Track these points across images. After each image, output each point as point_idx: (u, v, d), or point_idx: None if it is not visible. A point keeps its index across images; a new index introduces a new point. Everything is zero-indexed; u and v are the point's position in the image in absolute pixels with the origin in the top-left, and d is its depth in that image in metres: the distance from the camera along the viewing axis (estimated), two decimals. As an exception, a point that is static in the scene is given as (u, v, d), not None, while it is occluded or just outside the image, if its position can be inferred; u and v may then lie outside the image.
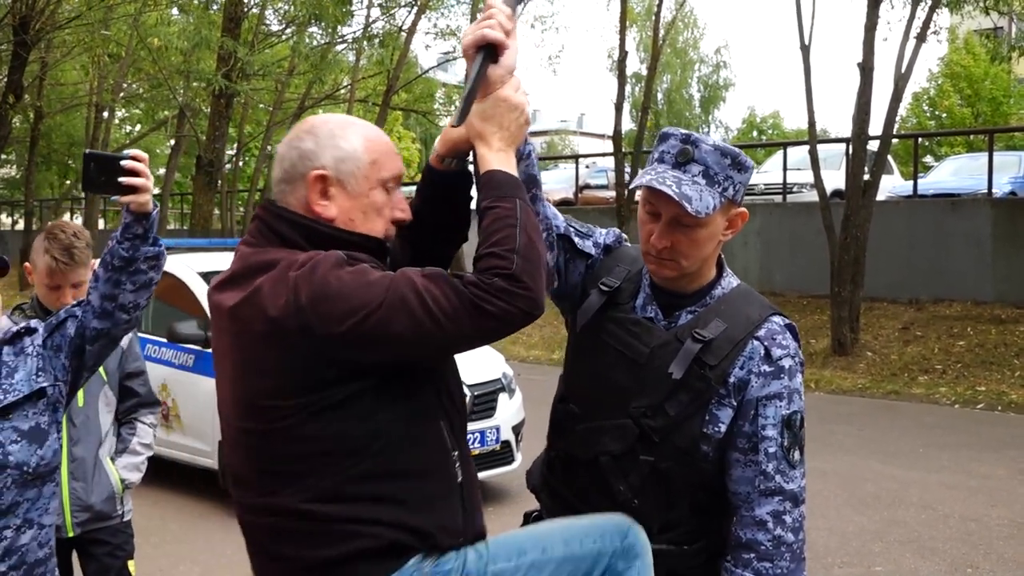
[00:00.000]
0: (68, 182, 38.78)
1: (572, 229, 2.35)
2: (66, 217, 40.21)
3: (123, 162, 2.45)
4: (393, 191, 2.05)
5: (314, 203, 1.97)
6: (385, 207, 2.03)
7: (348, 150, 1.98)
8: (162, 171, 29.70)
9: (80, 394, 3.55)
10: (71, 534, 3.53)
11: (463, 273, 1.85)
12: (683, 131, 2.22)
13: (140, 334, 7.99)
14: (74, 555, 3.74)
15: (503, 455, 7.31)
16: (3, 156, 33.30)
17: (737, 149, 2.21)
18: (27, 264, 3.53)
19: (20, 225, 35.41)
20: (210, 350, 8.03)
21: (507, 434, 7.35)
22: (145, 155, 2.52)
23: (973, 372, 13.32)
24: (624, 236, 2.45)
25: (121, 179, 2.44)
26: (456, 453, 2.02)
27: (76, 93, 29.70)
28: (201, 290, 7.80)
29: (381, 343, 1.83)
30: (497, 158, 1.96)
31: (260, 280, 1.89)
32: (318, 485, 1.90)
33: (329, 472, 1.90)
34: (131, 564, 3.75)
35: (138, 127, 35.91)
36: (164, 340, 7.65)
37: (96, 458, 3.61)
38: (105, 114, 28.71)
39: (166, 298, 8.07)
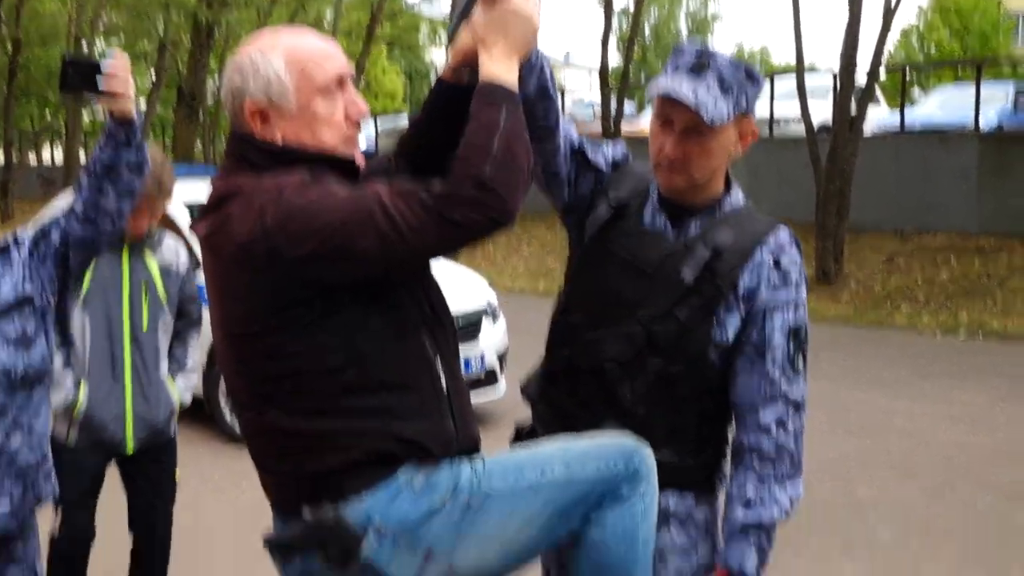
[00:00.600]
0: (48, 114, 38.35)
1: (585, 142, 2.33)
2: (46, 149, 39.89)
3: (103, 64, 2.39)
4: (337, 92, 1.96)
5: (258, 135, 1.93)
6: (333, 112, 1.95)
7: (271, 75, 1.91)
8: (143, 104, 29.34)
9: (144, 319, 3.51)
10: (131, 451, 3.50)
11: (434, 180, 1.80)
12: (698, 45, 2.20)
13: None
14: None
15: (488, 381, 7.33)
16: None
17: (749, 63, 2.20)
18: None
19: None
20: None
21: (492, 360, 7.36)
22: (126, 58, 2.46)
23: (955, 302, 13.35)
24: (631, 155, 2.43)
25: (100, 83, 2.38)
26: (439, 361, 1.98)
27: (55, 25, 29.25)
28: (184, 220, 7.72)
29: (348, 259, 1.80)
30: (497, 67, 1.89)
31: (230, 207, 1.86)
32: (301, 403, 1.89)
33: (310, 389, 1.88)
34: (176, 473, 3.77)
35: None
36: (147, 268, 7.59)
37: (159, 379, 3.57)
38: (84, 46, 28.31)
39: (148, 226, 8.00)
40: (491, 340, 7.44)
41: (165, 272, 3.57)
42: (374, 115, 30.27)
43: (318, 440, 1.88)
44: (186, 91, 16.24)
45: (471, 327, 7.27)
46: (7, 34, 23.56)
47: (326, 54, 1.95)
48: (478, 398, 7.10)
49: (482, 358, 7.26)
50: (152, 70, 29.30)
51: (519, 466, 1.97)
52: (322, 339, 1.86)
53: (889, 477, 6.32)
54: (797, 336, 2.20)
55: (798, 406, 2.21)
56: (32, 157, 38.26)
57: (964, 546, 5.18)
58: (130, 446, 3.48)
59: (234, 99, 1.94)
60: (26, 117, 39.88)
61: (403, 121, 25.92)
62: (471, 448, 2.02)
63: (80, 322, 3.43)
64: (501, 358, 7.53)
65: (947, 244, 15.35)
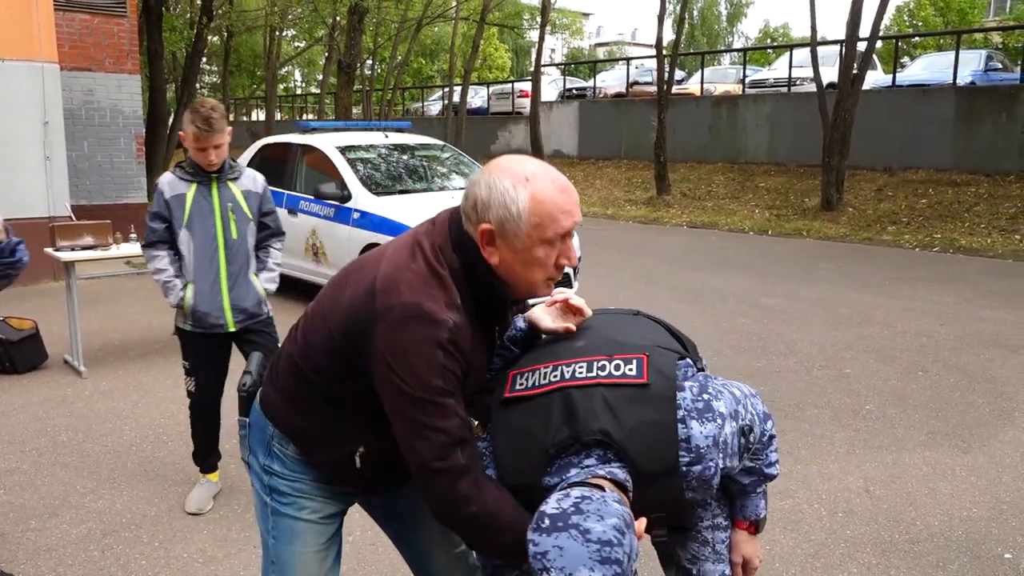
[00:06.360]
0: (254, 86, 38.65)
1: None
2: (255, 113, 40.36)
3: None
4: (558, 243, 1.59)
5: (482, 248, 1.59)
6: (548, 258, 1.59)
7: (514, 213, 1.54)
8: (320, 76, 29.21)
9: (234, 229, 3.54)
10: (232, 329, 3.56)
11: (464, 461, 1.56)
12: None
13: (294, 193, 7.89)
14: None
15: (564, 283, 7.11)
16: (205, 66, 33.24)
17: None
18: (181, 133, 3.42)
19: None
20: (346, 204, 7.90)
21: (567, 268, 7.11)
22: None
23: (932, 223, 12.65)
24: None
25: None
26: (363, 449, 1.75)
27: (256, 16, 29.19)
28: (338, 160, 7.61)
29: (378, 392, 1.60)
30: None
31: (382, 268, 1.59)
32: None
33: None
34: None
35: (302, 43, 35.37)
36: (312, 197, 7.52)
37: (247, 275, 3.61)
38: (277, 33, 28.24)
39: (313, 166, 7.92)
40: (566, 252, 7.18)
41: (246, 195, 3.59)
42: (487, 83, 29.79)
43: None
44: (344, 64, 16.01)
45: (551, 242, 7.02)
46: (222, 23, 23.56)
47: (565, 210, 1.57)
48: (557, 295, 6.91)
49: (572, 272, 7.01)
50: (326, 53, 29.10)
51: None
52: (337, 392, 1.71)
53: (871, 359, 5.96)
54: None
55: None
56: (243, 116, 38.72)
57: (933, 417, 4.83)
58: (231, 325, 3.55)
59: (475, 208, 1.58)
60: (238, 87, 40.35)
61: (508, 87, 25.53)
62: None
63: (185, 238, 3.50)
64: (575, 267, 7.28)
65: (926, 178, 14.56)
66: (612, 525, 1.33)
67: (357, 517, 3.26)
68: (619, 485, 1.50)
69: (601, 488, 1.42)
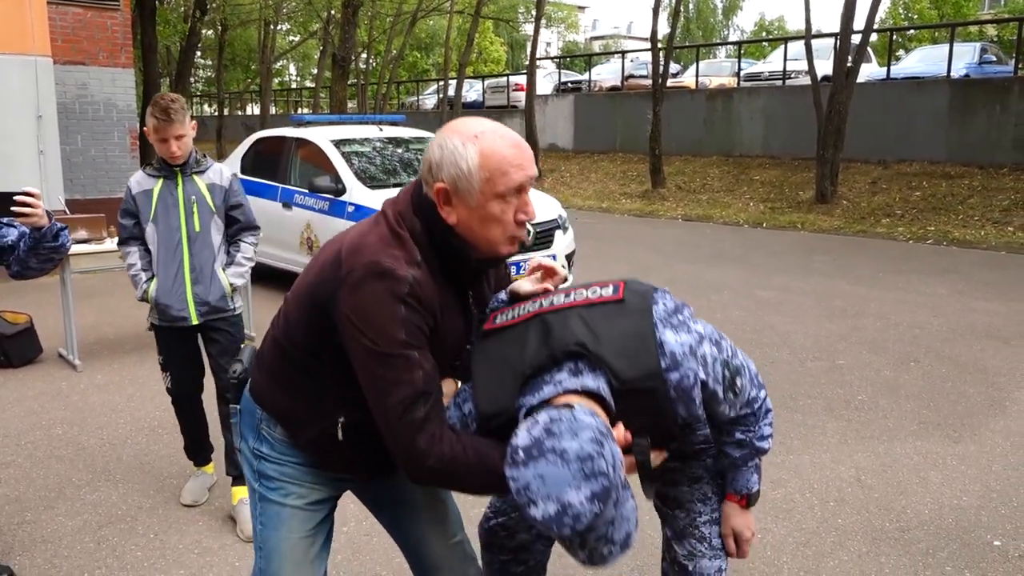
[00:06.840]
0: (248, 80, 38.57)
1: None
2: (249, 107, 40.26)
3: (16, 197, 2.48)
4: (513, 197, 1.61)
5: (440, 208, 1.62)
6: (505, 214, 1.61)
7: (464, 169, 1.57)
8: (315, 70, 29.16)
9: (196, 221, 3.53)
10: (196, 322, 3.53)
11: (426, 415, 1.56)
12: None
13: (289, 186, 7.89)
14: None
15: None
16: (199, 60, 33.15)
17: None
18: (145, 128, 3.42)
19: (215, 111, 35.54)
20: (341, 198, 7.90)
21: (561, 260, 7.14)
22: (37, 191, 2.51)
23: (925, 216, 12.69)
24: None
25: (13, 208, 2.48)
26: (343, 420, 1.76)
27: (251, 11, 29.13)
28: (333, 153, 7.61)
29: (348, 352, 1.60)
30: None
31: (348, 237, 1.64)
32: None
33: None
34: (244, 344, 3.71)
35: (297, 37, 35.28)
36: (307, 191, 7.52)
37: (212, 268, 3.57)
38: (271, 27, 28.17)
39: (308, 160, 7.92)
40: (561, 244, 7.21)
41: (211, 188, 3.57)
42: (482, 76, 29.77)
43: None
44: (339, 57, 15.98)
45: (546, 234, 7.05)
46: (216, 17, 23.54)
47: (515, 164, 1.60)
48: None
49: (553, 257, 7.05)
50: (321, 47, 29.03)
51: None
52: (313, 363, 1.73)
53: (864, 350, 5.98)
54: None
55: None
56: (238, 110, 38.59)
57: (925, 407, 4.87)
58: (194, 318, 3.52)
59: (430, 170, 1.63)
60: (233, 81, 40.24)
61: (503, 80, 25.52)
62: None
63: (151, 233, 3.52)
64: (569, 258, 7.31)
65: (920, 170, 14.60)
66: (588, 439, 1.30)
67: (352, 508, 3.29)
68: (593, 396, 1.48)
69: (570, 407, 1.40)
